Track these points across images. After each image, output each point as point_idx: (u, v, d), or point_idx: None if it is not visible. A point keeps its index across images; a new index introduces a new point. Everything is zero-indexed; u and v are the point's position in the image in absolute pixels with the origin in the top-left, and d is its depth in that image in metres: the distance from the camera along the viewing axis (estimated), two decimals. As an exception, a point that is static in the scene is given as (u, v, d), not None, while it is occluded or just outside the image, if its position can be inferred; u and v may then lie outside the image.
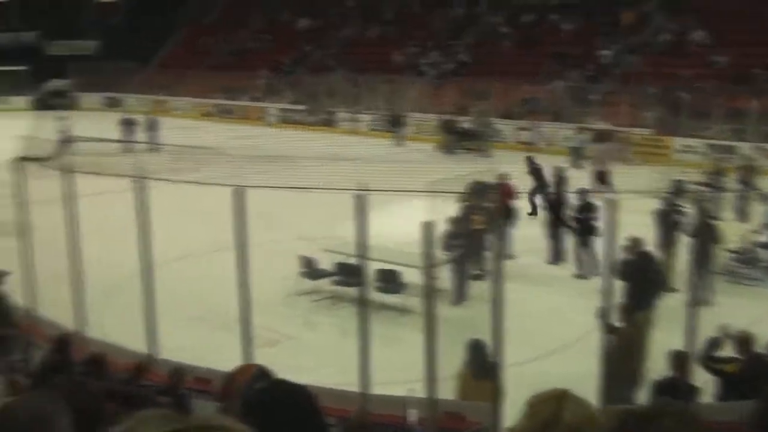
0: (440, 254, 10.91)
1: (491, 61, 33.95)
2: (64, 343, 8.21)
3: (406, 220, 11.61)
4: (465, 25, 37.51)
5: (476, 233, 13.12)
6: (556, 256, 14.66)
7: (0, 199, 11.90)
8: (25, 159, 16.93)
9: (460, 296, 12.26)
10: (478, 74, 32.49)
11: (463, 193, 14.16)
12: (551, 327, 11.44)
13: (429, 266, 7.78)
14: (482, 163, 23.78)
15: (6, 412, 1.71)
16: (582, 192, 14.34)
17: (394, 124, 30.34)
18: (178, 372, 7.92)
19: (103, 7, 51.35)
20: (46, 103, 43.34)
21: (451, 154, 26.86)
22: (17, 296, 10.46)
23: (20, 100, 44.28)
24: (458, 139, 27.65)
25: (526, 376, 8.51)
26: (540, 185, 17.33)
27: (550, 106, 29.71)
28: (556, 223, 14.55)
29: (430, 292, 7.75)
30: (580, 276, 13.64)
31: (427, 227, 7.67)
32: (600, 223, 12.19)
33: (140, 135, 29.51)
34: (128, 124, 29.98)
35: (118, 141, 28.96)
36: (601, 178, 18.47)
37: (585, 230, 13.64)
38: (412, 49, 37.13)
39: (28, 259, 10.66)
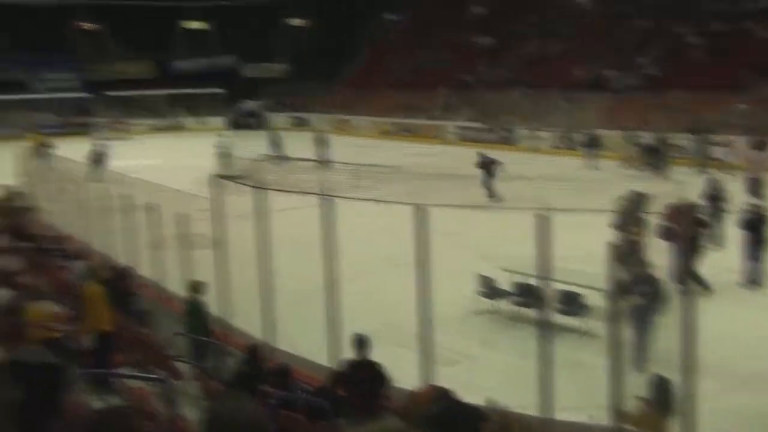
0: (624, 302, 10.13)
1: (680, 73, 32.46)
2: (254, 353, 8.58)
3: (589, 239, 11.31)
4: (651, 37, 36.13)
5: (634, 245, 12.53)
6: (755, 277, 13.63)
7: (199, 213, 12.74)
8: (221, 176, 18.10)
9: (644, 342, 11.15)
10: (666, 88, 31.17)
11: (620, 205, 13.61)
12: (748, 356, 10.65)
13: (614, 289, 7.49)
14: (668, 180, 22.76)
15: (226, 414, 1.81)
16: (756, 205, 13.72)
17: (588, 145, 29.23)
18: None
19: (293, 30, 53.96)
20: (239, 123, 46.05)
21: (639, 171, 25.80)
22: (213, 306, 11.11)
23: (217, 120, 47.38)
24: (645, 156, 26.58)
25: (720, 412, 8.00)
26: (489, 175, 21.56)
27: (746, 121, 27.94)
28: (757, 242, 13.58)
29: (614, 316, 7.46)
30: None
31: (613, 248, 7.40)
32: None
33: (312, 152, 30.60)
34: (274, 142, 31.36)
35: (293, 158, 30.23)
36: (754, 186, 18.15)
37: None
38: (594, 63, 36.22)
39: (223, 271, 11.31)
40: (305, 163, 29.76)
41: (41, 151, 26.92)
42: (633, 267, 11.22)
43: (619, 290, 8.77)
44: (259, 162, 28.11)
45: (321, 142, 30.73)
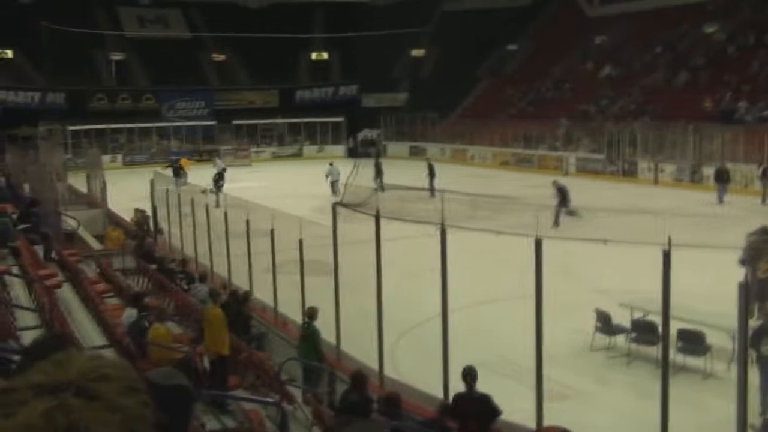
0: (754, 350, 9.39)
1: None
2: (359, 379, 8.58)
3: (714, 277, 10.82)
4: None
5: (764, 284, 11.83)
6: None
7: (314, 240, 12.99)
8: (338, 204, 18.40)
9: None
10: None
11: (749, 241, 12.92)
12: None
13: (744, 336, 7.10)
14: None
15: None
16: None
17: (718, 178, 27.86)
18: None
19: (414, 61, 54.55)
20: (359, 151, 46.83)
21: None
22: (326, 332, 11.24)
23: (337, 149, 48.34)
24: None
25: None
26: (563, 203, 22.14)
27: None
28: None
29: (741, 358, 7.08)
30: None
31: (742, 287, 7.05)
32: None
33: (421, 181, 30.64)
34: (377, 170, 31.57)
35: (395, 187, 30.35)
36: None
37: None
38: (724, 94, 34.83)
39: (337, 298, 11.45)
40: (419, 192, 29.84)
41: (178, 176, 28.27)
42: (763, 310, 10.63)
43: (751, 338, 8.39)
44: (368, 190, 28.42)
45: (429, 171, 30.87)
